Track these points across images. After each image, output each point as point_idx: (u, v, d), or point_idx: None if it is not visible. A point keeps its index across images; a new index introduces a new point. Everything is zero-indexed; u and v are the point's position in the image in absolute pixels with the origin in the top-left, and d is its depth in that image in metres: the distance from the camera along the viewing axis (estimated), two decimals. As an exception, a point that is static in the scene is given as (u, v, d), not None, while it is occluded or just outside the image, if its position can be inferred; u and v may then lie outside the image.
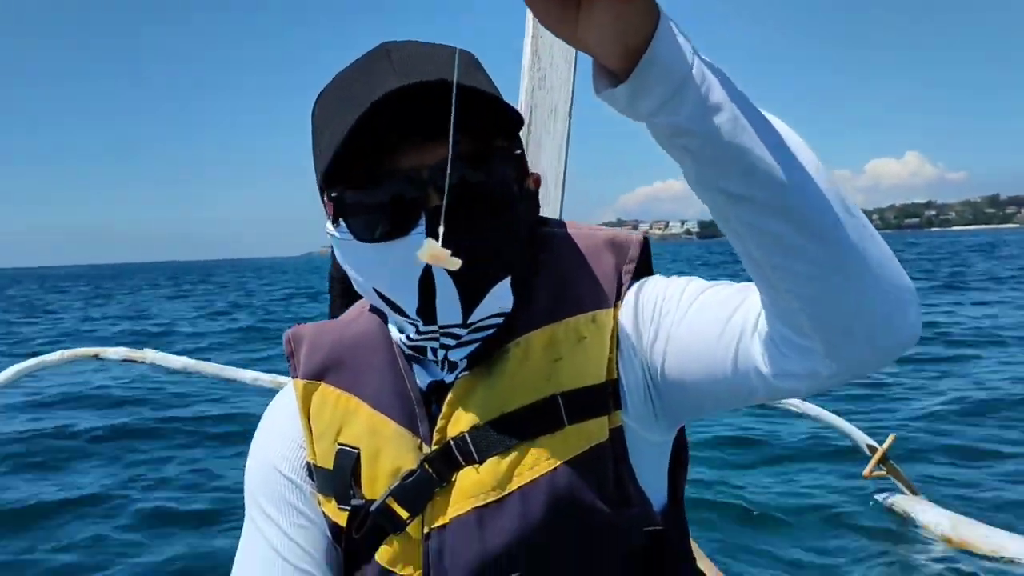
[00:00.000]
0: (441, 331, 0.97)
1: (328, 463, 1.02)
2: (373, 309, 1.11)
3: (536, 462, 0.94)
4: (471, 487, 0.96)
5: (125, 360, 4.34)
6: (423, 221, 0.90)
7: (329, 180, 0.94)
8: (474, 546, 0.95)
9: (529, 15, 2.33)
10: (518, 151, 0.99)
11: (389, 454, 0.99)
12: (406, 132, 0.90)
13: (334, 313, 2.34)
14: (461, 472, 0.96)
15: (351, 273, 1.00)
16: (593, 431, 0.95)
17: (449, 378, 1.01)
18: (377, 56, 0.95)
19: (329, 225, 0.99)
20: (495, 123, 0.95)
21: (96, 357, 4.33)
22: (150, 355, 4.29)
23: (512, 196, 0.96)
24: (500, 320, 0.99)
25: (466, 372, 0.99)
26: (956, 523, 4.67)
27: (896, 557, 4.72)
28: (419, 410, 1.01)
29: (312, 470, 1.05)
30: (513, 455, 0.95)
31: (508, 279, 0.97)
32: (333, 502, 1.02)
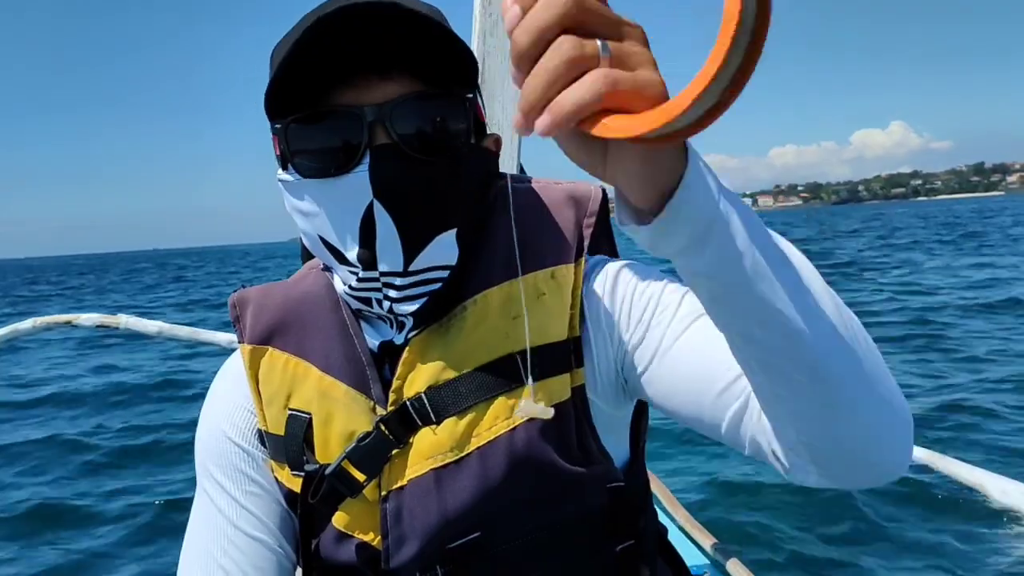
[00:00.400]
0: (383, 278, 0.94)
1: (279, 429, 1.01)
2: (325, 269, 1.07)
3: (494, 422, 0.93)
4: (428, 448, 0.94)
5: (99, 326, 4.32)
6: (367, 159, 0.88)
7: (273, 112, 0.92)
8: (432, 507, 0.94)
9: None
10: (470, 97, 0.95)
11: (341, 418, 0.97)
12: (353, 62, 0.88)
13: None
14: (418, 433, 0.95)
15: (298, 222, 0.97)
16: (554, 389, 0.94)
17: (399, 338, 0.99)
18: None
19: (279, 171, 0.96)
20: (448, 64, 0.91)
21: (69, 324, 4.30)
22: (124, 320, 4.26)
23: (460, 145, 0.93)
24: (445, 273, 0.96)
25: (418, 331, 0.97)
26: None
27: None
28: (370, 371, 0.99)
29: (263, 436, 1.03)
30: (471, 415, 0.93)
31: (453, 232, 0.95)
32: (287, 468, 1.01)
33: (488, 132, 1.02)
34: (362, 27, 0.84)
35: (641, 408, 1.10)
